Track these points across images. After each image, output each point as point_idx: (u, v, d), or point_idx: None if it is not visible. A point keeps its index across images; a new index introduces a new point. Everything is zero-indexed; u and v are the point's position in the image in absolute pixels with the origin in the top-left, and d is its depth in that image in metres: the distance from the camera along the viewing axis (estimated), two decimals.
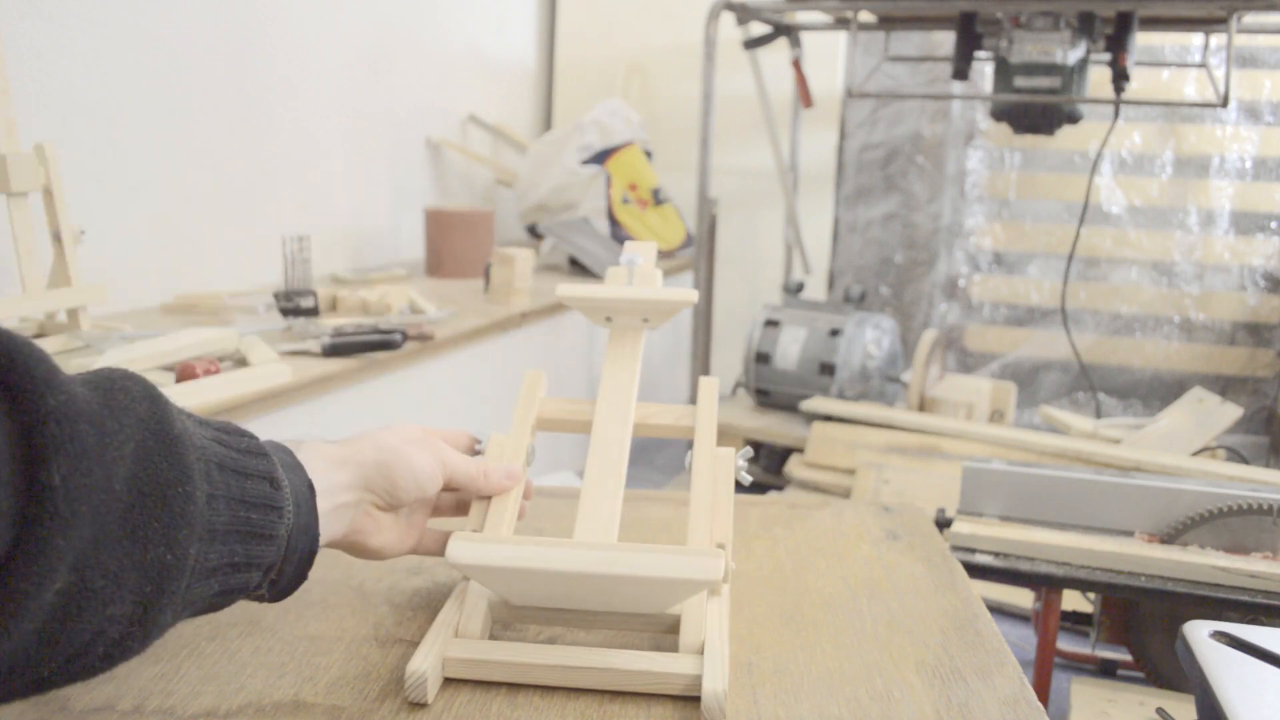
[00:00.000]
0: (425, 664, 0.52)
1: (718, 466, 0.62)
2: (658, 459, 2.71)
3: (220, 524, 0.45)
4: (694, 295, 0.69)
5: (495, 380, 1.94)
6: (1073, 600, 1.51)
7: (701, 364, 2.53)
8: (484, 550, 0.53)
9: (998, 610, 1.78)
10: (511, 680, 0.54)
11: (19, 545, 0.35)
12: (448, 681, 0.54)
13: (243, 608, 0.62)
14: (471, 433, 0.67)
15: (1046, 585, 1.13)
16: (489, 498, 0.62)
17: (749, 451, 0.64)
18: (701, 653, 0.55)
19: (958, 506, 1.23)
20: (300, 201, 2.13)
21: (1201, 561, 1.07)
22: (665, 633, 0.58)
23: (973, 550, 1.14)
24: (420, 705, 0.52)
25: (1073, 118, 2.08)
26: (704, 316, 2.55)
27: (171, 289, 1.77)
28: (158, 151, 1.74)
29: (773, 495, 1.44)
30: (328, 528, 0.53)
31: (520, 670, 0.54)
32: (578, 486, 0.65)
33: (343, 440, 0.56)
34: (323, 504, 0.52)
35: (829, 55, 2.90)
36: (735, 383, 2.46)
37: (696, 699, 0.53)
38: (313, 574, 0.68)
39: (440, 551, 0.61)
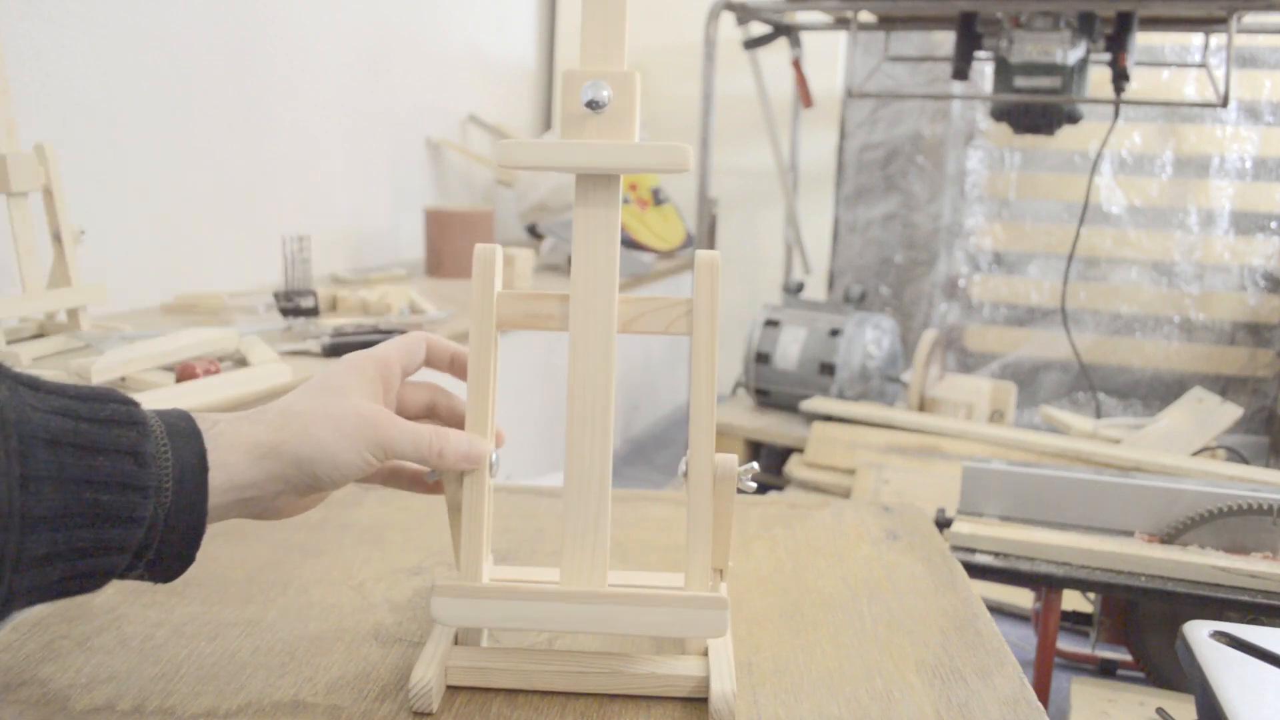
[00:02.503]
0: (429, 673, 0.52)
1: (717, 477, 0.55)
2: (657, 459, 2.71)
3: (44, 509, 0.40)
4: (686, 157, 0.52)
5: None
6: (1073, 600, 1.51)
7: None
8: (472, 611, 0.52)
9: (998, 610, 1.78)
10: (516, 686, 0.54)
11: None
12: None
13: (243, 607, 0.63)
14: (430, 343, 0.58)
15: (1046, 585, 1.13)
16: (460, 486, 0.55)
17: (754, 467, 0.56)
18: (705, 654, 0.55)
19: (958, 506, 1.23)
20: (300, 201, 2.13)
21: (1201, 561, 1.07)
22: None
23: (973, 550, 1.14)
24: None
25: (1073, 118, 2.09)
26: None
27: (171, 289, 1.77)
28: (158, 151, 1.74)
29: (773, 495, 1.44)
30: (223, 511, 0.47)
31: (525, 676, 0.54)
32: None
33: (268, 419, 0.49)
34: (226, 496, 0.47)
35: (829, 55, 2.90)
36: (735, 383, 2.46)
37: (701, 700, 0.53)
38: (312, 574, 0.68)
39: (385, 482, 0.57)
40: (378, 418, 0.50)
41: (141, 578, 0.46)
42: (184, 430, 0.45)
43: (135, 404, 0.44)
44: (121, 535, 0.42)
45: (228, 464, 0.46)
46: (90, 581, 0.43)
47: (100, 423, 0.42)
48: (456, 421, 0.57)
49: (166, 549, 0.45)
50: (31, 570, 0.40)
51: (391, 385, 0.54)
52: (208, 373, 1.21)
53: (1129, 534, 1.17)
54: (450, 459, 0.52)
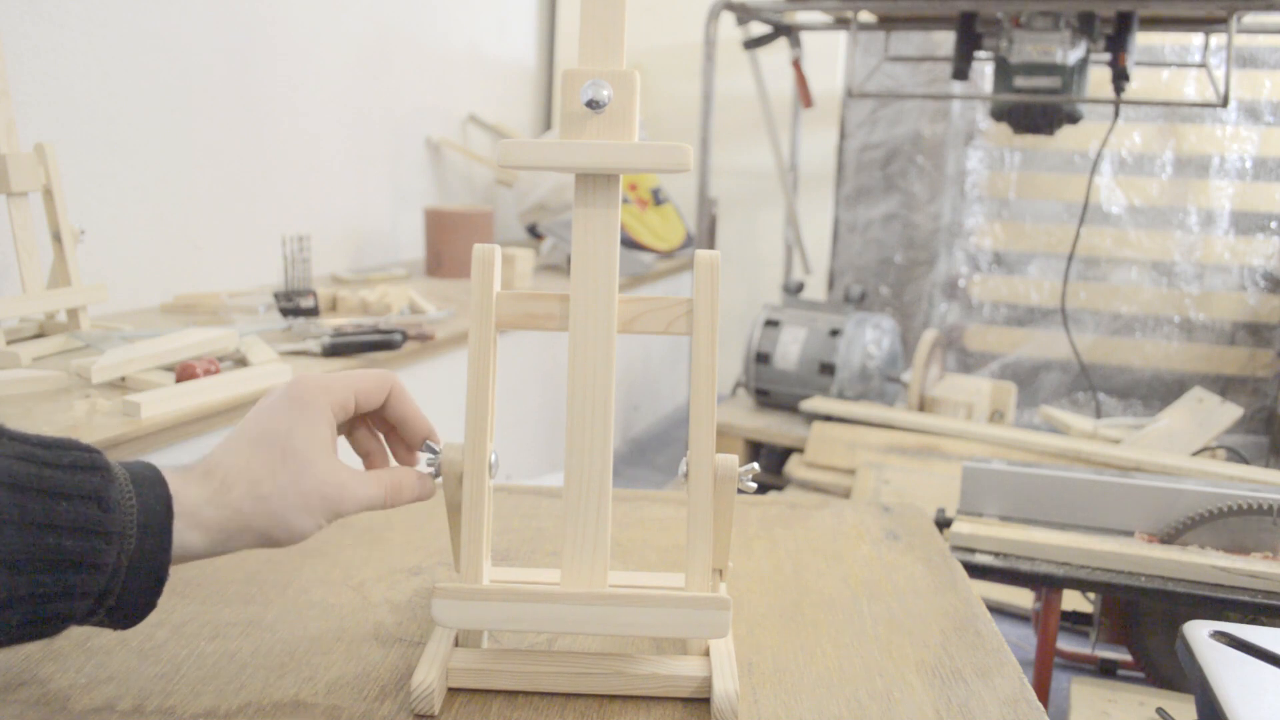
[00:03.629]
0: (431, 675, 0.52)
1: (718, 478, 0.55)
2: (658, 459, 2.71)
3: (5, 553, 0.39)
4: (687, 157, 0.52)
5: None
6: (1073, 600, 1.51)
7: None
8: (473, 613, 0.52)
9: (998, 610, 1.78)
10: (517, 688, 0.54)
11: None
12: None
13: (243, 607, 0.62)
14: (390, 383, 0.56)
15: (1046, 585, 1.13)
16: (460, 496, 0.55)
17: (754, 468, 0.56)
18: (706, 654, 0.55)
19: (958, 506, 1.22)
20: (300, 201, 2.13)
21: (1201, 561, 1.07)
22: None
23: (973, 550, 1.14)
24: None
25: (1073, 118, 2.08)
26: None
27: (171, 289, 1.77)
28: (158, 151, 1.74)
29: (773, 495, 1.44)
30: (186, 555, 0.47)
31: (526, 678, 0.54)
32: None
33: (233, 502, 0.48)
34: (181, 561, 0.47)
35: (829, 55, 2.90)
36: (735, 383, 2.46)
37: (702, 701, 0.53)
38: (312, 574, 0.68)
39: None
40: (339, 493, 0.51)
41: (101, 623, 0.46)
42: (149, 478, 0.45)
43: (98, 451, 0.44)
44: (84, 581, 0.42)
45: (186, 544, 0.47)
46: (49, 626, 0.43)
47: (64, 468, 0.42)
48: (404, 423, 0.57)
49: (128, 595, 0.44)
50: None
51: (343, 417, 0.54)
52: (208, 373, 1.21)
53: (1129, 534, 1.17)
54: (406, 496, 0.55)
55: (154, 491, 0.45)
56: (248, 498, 0.48)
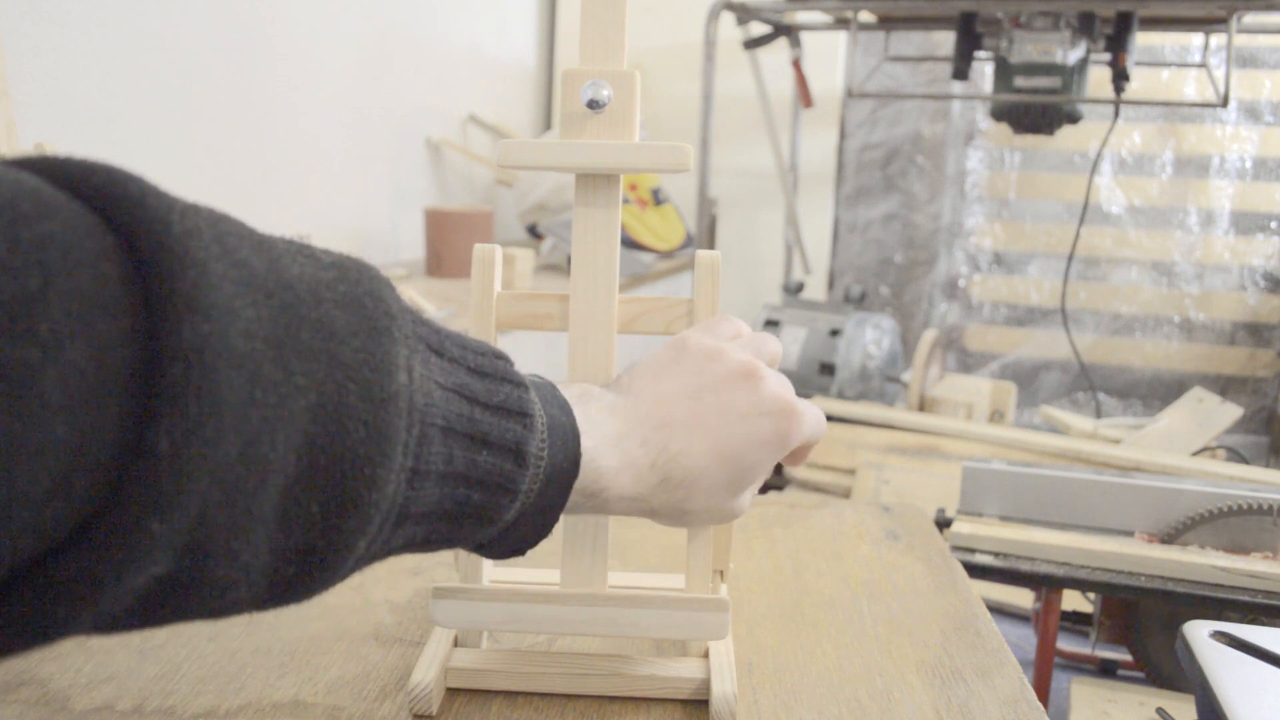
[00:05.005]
0: (429, 675, 0.52)
1: None
2: None
3: (420, 507, 0.35)
4: (687, 157, 0.51)
5: None
6: (1073, 600, 1.51)
7: None
8: (472, 614, 0.52)
9: (998, 610, 1.79)
10: (516, 689, 0.54)
11: (104, 516, 0.25)
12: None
13: None
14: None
15: (1046, 585, 1.13)
16: None
17: None
18: (706, 655, 0.55)
19: (958, 506, 1.23)
20: (300, 201, 2.13)
21: (1201, 561, 1.07)
22: None
23: (973, 550, 1.14)
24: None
25: (1073, 118, 2.09)
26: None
27: None
28: (158, 151, 1.74)
29: (773, 495, 1.44)
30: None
31: (525, 678, 0.54)
32: None
33: (634, 438, 0.43)
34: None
35: (829, 55, 2.90)
36: None
37: (702, 702, 0.53)
38: None
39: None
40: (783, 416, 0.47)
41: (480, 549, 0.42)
42: (563, 427, 0.41)
43: (525, 386, 0.39)
44: (474, 532, 0.39)
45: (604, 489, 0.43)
46: (427, 548, 0.39)
47: (493, 409, 0.37)
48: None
49: (503, 544, 0.42)
50: (374, 554, 0.35)
51: None
52: None
53: (1129, 534, 1.17)
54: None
55: (565, 448, 0.40)
56: (668, 441, 0.44)
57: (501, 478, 0.37)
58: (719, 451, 0.45)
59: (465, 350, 0.38)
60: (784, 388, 0.47)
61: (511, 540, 0.41)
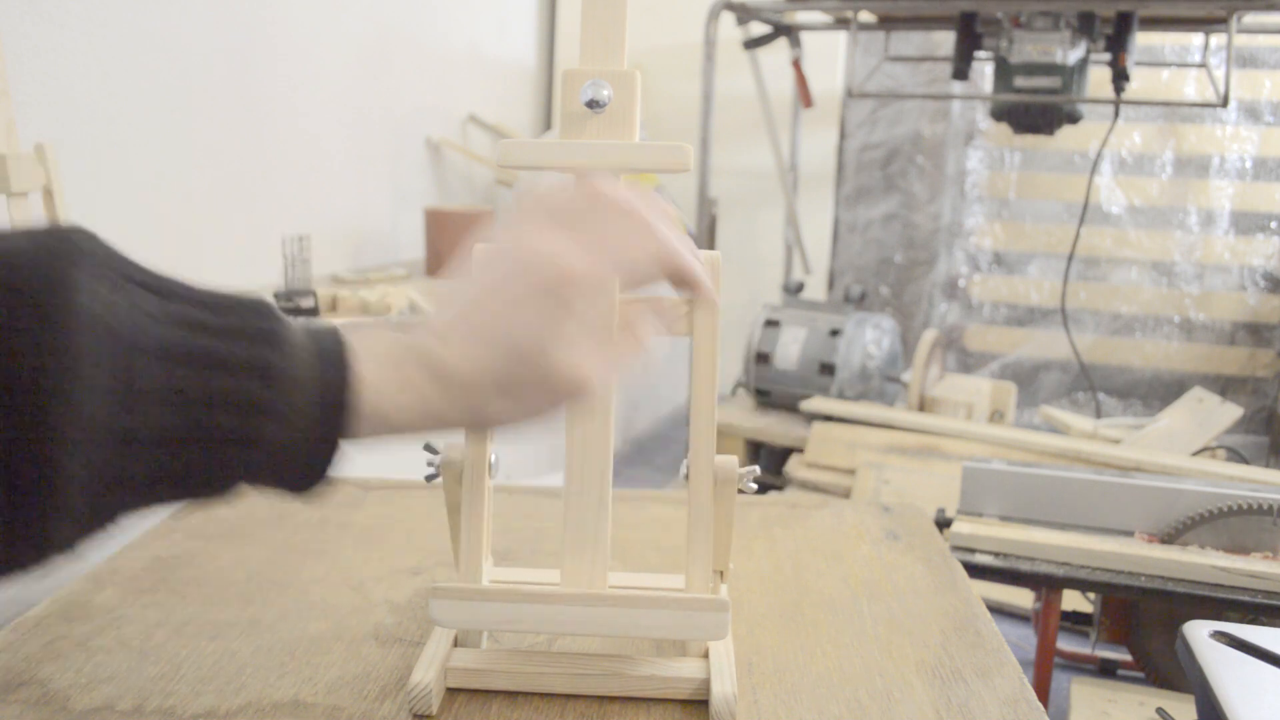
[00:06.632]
0: (429, 675, 0.52)
1: (718, 480, 0.55)
2: (657, 459, 2.71)
3: (150, 431, 0.35)
4: (687, 157, 0.51)
5: None
6: (1073, 600, 1.51)
7: None
8: (472, 614, 0.52)
9: (998, 610, 1.78)
10: (516, 688, 0.54)
11: None
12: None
13: (243, 608, 0.62)
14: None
15: (1046, 585, 1.13)
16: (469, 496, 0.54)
17: (755, 470, 0.56)
18: (706, 655, 0.55)
19: (958, 506, 1.22)
20: (300, 201, 2.13)
21: (1201, 561, 1.07)
22: None
23: (973, 550, 1.14)
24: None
25: (1073, 118, 2.08)
26: None
27: None
28: (158, 151, 1.74)
29: (773, 495, 1.44)
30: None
31: (525, 678, 0.54)
32: None
33: (411, 356, 0.42)
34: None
35: (829, 55, 2.90)
36: (735, 383, 2.46)
37: (701, 702, 0.53)
38: (312, 574, 0.68)
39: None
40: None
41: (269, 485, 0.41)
42: (331, 353, 0.40)
43: (274, 317, 0.40)
44: (243, 458, 0.38)
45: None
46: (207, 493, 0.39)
47: (226, 334, 0.38)
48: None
49: (290, 472, 0.40)
50: (114, 486, 0.36)
51: None
52: None
53: (1129, 534, 1.17)
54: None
55: (337, 372, 0.40)
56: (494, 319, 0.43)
57: (247, 398, 0.37)
58: (490, 339, 0.42)
59: (193, 290, 0.39)
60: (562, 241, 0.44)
61: (298, 467, 0.40)
